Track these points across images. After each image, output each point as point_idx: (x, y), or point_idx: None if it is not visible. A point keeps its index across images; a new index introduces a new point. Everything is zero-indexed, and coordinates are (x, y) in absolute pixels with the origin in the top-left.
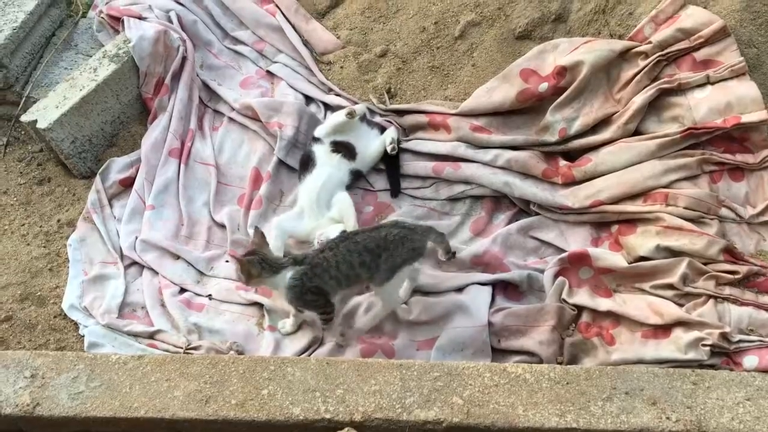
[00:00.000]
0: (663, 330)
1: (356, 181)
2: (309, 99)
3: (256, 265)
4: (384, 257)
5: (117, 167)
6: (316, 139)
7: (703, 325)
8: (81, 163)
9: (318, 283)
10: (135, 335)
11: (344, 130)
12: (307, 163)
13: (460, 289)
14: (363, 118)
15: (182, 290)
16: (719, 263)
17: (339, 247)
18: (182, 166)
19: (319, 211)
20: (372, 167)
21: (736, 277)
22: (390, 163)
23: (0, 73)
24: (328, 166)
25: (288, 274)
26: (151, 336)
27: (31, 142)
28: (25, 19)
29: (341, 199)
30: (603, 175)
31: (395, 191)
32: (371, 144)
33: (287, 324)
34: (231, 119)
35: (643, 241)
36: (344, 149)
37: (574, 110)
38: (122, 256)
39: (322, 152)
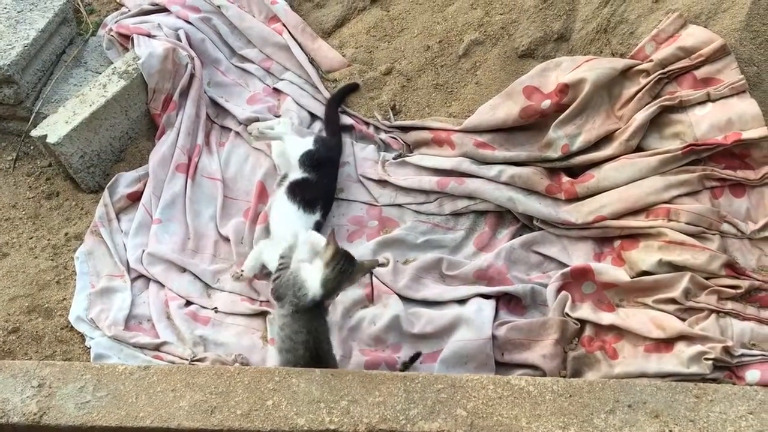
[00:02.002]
0: (665, 344)
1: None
2: (314, 117)
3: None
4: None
5: (125, 182)
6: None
7: (706, 339)
8: (89, 177)
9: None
10: (141, 347)
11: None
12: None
13: (463, 302)
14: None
15: (188, 303)
16: (721, 278)
17: (292, 315)
18: (189, 180)
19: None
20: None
21: (738, 291)
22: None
23: (11, 89)
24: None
25: (277, 274)
26: (157, 348)
27: (40, 156)
28: (36, 36)
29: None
30: (605, 190)
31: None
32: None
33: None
34: (237, 134)
35: (645, 255)
36: (295, 187)
37: (576, 127)
38: (129, 269)
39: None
